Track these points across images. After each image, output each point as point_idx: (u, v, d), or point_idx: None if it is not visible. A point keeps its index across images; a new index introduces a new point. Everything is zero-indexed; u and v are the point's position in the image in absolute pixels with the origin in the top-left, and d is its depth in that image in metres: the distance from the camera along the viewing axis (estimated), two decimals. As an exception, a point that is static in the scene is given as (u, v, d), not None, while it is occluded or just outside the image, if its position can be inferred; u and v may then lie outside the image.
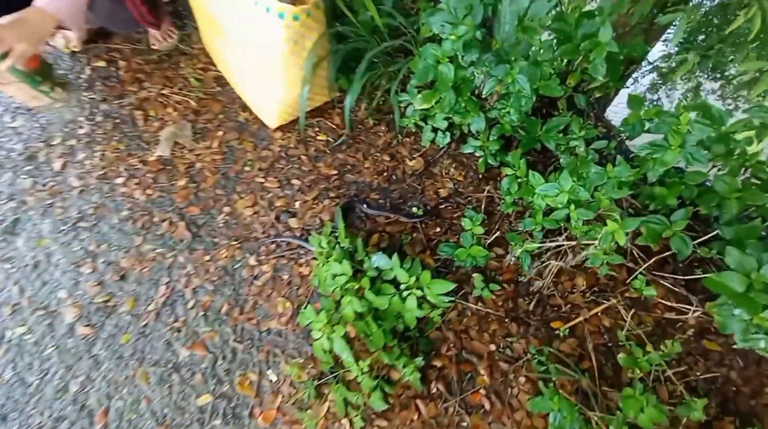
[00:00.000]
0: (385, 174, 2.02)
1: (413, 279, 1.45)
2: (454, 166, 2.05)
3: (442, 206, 1.93)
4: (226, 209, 1.90)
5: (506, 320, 1.69)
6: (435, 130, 2.03)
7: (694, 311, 1.67)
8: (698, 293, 1.72)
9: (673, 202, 1.68)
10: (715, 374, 1.60)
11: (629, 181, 1.64)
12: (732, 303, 1.31)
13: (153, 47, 2.32)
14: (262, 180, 1.97)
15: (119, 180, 1.95)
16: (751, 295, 1.26)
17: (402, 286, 1.45)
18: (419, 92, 1.79)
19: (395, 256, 1.49)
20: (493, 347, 1.63)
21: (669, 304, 1.70)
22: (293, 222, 1.86)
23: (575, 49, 1.63)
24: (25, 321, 1.68)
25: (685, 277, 1.73)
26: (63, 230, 1.84)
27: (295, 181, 1.97)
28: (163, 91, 2.19)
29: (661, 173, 1.59)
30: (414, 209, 1.90)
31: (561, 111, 2.08)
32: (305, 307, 1.54)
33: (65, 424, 1.51)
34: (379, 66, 2.10)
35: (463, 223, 1.70)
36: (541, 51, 1.67)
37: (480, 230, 1.66)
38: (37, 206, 1.89)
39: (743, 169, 1.69)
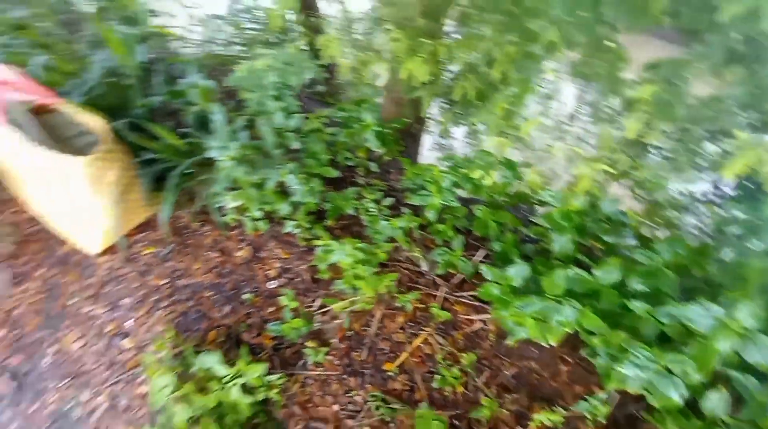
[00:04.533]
0: (216, 270, 2.16)
1: (234, 369, 1.57)
2: (279, 246, 2.27)
3: (273, 286, 2.11)
4: (52, 349, 1.87)
5: (344, 377, 1.87)
6: (254, 219, 2.24)
7: (488, 320, 2.03)
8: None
9: (452, 233, 2.06)
10: (519, 368, 1.93)
11: (415, 225, 2.03)
12: (499, 307, 1.68)
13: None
14: (90, 308, 1.99)
15: None
16: (505, 297, 1.65)
17: (225, 379, 1.57)
18: (230, 193, 2.05)
19: (218, 353, 1.61)
20: (336, 407, 1.79)
21: (471, 318, 2.04)
22: (127, 343, 1.89)
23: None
24: None
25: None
26: None
27: (124, 301, 2.01)
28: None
29: (436, 213, 2.00)
30: (245, 296, 2.05)
31: (361, 177, 2.47)
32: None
33: None
34: (193, 176, 2.29)
35: (281, 301, 1.89)
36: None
37: (295, 304, 1.87)
38: None
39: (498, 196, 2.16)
